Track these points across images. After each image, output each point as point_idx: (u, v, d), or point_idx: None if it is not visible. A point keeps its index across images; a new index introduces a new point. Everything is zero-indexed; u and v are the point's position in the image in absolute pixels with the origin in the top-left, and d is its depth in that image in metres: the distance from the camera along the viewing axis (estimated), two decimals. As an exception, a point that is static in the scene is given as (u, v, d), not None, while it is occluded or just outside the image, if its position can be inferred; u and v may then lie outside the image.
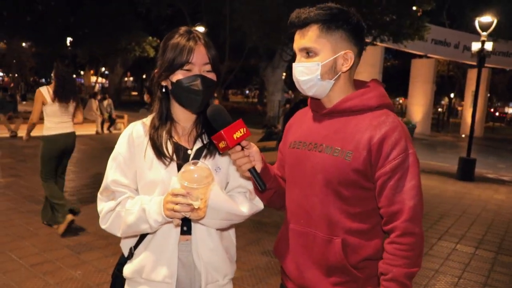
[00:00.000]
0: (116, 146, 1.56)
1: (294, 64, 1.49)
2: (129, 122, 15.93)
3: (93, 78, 35.70)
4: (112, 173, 1.52)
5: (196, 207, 1.31)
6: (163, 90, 1.54)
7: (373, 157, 1.38)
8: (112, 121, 14.88)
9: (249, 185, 1.60)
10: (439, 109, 40.28)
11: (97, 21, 22.69)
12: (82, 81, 36.83)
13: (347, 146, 1.41)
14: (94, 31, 23.32)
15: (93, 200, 6.07)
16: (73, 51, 26.09)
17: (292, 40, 1.54)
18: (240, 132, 1.38)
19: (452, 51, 21.67)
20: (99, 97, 14.68)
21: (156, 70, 1.54)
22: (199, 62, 1.47)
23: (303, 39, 1.45)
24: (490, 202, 8.14)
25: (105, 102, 14.73)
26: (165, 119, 1.55)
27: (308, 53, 1.45)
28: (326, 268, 1.45)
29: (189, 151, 1.55)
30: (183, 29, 1.53)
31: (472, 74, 23.83)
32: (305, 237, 1.50)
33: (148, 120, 1.59)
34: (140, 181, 1.53)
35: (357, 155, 1.39)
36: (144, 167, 1.50)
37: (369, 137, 1.39)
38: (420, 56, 22.27)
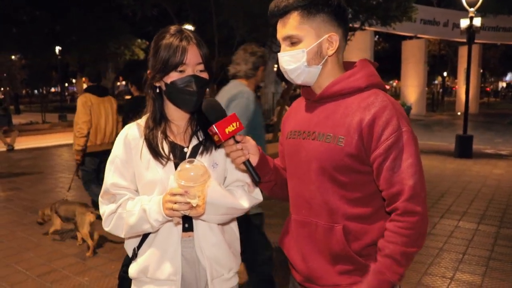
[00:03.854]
0: (113, 149, 1.57)
1: (279, 54, 1.47)
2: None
3: (85, 85, 35.40)
4: (111, 176, 1.54)
5: (194, 205, 1.32)
6: (157, 90, 1.56)
7: (365, 140, 1.35)
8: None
9: (247, 178, 1.61)
10: (433, 89, 40.27)
11: (83, 27, 22.51)
12: (75, 89, 36.54)
13: (338, 131, 1.39)
14: (82, 38, 23.13)
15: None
16: (63, 59, 25.93)
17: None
18: (233, 126, 1.40)
19: (442, 29, 21.56)
20: None
21: (148, 71, 1.54)
22: (192, 62, 1.48)
23: (284, 28, 1.44)
24: (489, 177, 8.18)
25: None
26: (159, 120, 1.57)
27: (292, 41, 1.43)
28: (331, 257, 1.43)
29: (185, 149, 1.56)
30: (173, 28, 1.52)
31: (463, 52, 23.75)
32: (307, 227, 1.49)
33: (142, 121, 1.61)
34: (139, 182, 1.55)
35: (349, 139, 1.37)
36: (142, 168, 1.52)
37: (359, 120, 1.36)
38: (410, 37, 22.18)
